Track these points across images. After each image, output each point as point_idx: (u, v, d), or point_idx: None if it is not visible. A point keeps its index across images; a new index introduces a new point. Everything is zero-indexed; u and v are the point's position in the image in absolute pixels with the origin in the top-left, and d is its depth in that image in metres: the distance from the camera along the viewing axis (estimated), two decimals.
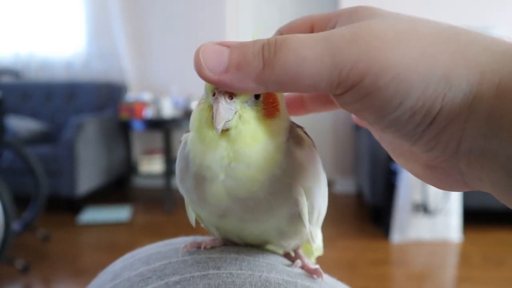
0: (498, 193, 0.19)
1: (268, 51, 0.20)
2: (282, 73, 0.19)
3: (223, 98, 0.23)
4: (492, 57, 0.18)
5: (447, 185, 0.22)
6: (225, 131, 0.23)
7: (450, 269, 1.95)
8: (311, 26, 0.24)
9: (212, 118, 0.23)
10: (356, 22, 0.20)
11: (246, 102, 0.24)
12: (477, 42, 0.19)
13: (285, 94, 0.30)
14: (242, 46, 0.20)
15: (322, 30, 0.23)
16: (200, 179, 0.25)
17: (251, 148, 0.23)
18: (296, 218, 0.26)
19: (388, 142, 0.27)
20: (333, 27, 0.22)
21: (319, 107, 0.30)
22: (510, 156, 0.17)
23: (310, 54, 0.19)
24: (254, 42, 0.20)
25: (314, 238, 0.30)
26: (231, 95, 0.23)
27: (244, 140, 0.23)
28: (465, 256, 1.99)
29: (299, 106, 0.31)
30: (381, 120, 0.20)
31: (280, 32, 0.25)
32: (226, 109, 0.23)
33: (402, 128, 0.20)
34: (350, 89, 0.19)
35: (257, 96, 0.24)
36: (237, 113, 0.24)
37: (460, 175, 0.20)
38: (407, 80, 0.18)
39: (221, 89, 0.23)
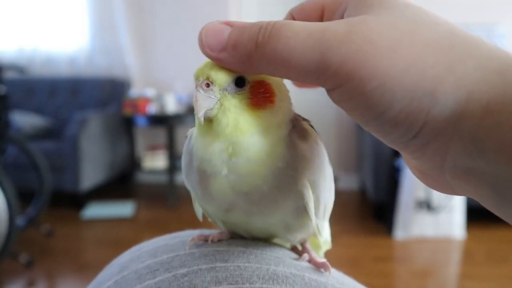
0: (485, 205, 0.19)
1: (263, 35, 0.20)
2: (271, 59, 0.20)
3: (200, 86, 0.23)
4: (483, 76, 0.18)
5: (437, 188, 0.23)
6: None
7: (453, 266, 1.95)
8: (322, 9, 0.23)
9: None
10: (362, 12, 0.20)
11: (226, 89, 0.23)
12: (471, 57, 0.18)
13: None
14: (242, 26, 0.21)
15: (332, 14, 0.23)
16: (203, 174, 0.25)
17: (239, 138, 0.23)
18: (302, 211, 0.26)
19: None
20: (343, 12, 0.22)
21: None
22: (497, 176, 0.17)
23: (300, 46, 0.19)
24: (254, 24, 0.20)
25: (321, 231, 0.29)
26: (208, 84, 0.23)
27: (226, 130, 0.23)
28: (468, 253, 1.99)
29: None
30: (367, 123, 0.20)
31: (291, 13, 0.25)
32: (205, 98, 0.23)
33: (387, 135, 0.20)
34: (337, 88, 0.19)
35: (240, 84, 0.24)
36: (218, 101, 0.23)
37: (447, 184, 0.20)
38: (391, 91, 0.18)
39: (200, 79, 0.23)
